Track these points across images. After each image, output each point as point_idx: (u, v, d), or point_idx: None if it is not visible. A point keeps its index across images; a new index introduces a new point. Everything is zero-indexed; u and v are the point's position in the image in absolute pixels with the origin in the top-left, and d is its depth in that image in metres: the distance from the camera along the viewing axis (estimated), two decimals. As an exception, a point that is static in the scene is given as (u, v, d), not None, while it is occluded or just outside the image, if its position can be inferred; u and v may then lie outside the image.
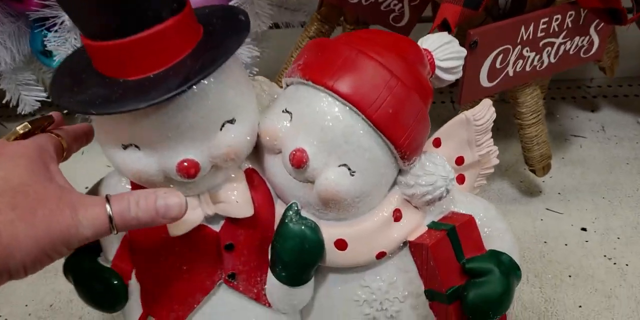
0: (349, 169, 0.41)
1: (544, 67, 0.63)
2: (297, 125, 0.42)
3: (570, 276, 0.67)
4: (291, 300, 0.45)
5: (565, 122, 0.93)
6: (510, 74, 0.62)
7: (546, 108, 0.90)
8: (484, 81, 0.61)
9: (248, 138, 0.41)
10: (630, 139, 0.89)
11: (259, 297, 0.45)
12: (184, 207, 0.37)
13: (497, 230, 0.52)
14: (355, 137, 0.41)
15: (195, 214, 0.40)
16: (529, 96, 0.65)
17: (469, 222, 0.47)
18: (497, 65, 0.60)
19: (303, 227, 0.43)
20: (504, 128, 0.91)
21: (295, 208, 0.43)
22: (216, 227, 0.42)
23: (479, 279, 0.45)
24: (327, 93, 0.41)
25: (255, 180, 0.44)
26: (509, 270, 0.46)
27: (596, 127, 0.92)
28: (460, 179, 0.57)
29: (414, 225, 0.47)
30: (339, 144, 0.41)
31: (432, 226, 0.48)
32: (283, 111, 0.42)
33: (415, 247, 0.47)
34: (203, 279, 0.43)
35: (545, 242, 0.72)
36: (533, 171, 0.73)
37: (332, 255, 0.44)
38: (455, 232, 0.46)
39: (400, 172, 0.46)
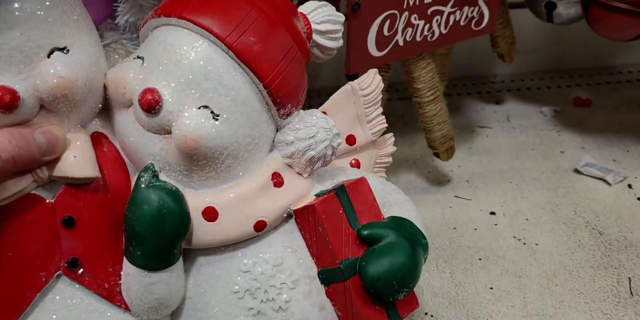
0: (212, 112, 0.36)
1: (435, 37, 0.62)
2: (149, 67, 0.37)
3: (480, 259, 0.65)
4: (153, 295, 0.38)
5: (471, 115, 0.93)
6: (400, 43, 0.60)
7: (452, 104, 0.90)
8: (372, 50, 0.58)
9: (83, 74, 0.35)
10: (534, 127, 0.89)
11: (112, 295, 0.37)
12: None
13: (396, 200, 0.48)
14: (216, 71, 0.36)
15: (21, 178, 0.33)
16: (423, 70, 0.63)
17: (361, 182, 0.42)
18: (385, 32, 0.58)
19: (160, 190, 0.36)
20: (412, 123, 0.89)
21: (152, 169, 0.37)
22: (51, 197, 0.36)
23: (378, 245, 0.40)
24: (181, 24, 0.36)
25: (104, 144, 0.38)
26: (413, 237, 0.41)
27: (501, 118, 0.92)
28: (355, 165, 0.54)
29: (299, 194, 0.42)
30: (197, 81, 0.36)
31: (320, 194, 0.43)
32: (134, 58, 0.38)
33: (301, 216, 0.42)
34: (34, 269, 0.35)
35: (454, 228, 0.70)
36: (437, 155, 0.71)
37: (200, 229, 0.38)
38: (345, 193, 0.41)
39: (278, 131, 0.41)
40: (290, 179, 0.42)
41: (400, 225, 0.41)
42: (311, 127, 0.40)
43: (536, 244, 0.67)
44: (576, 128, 0.88)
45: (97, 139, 0.38)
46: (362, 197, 0.42)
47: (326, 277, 0.42)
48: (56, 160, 0.35)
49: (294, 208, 0.42)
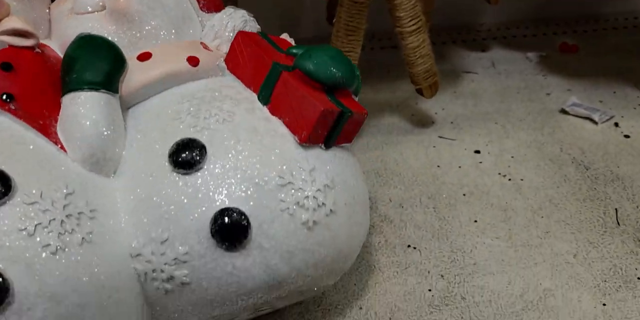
0: None
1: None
2: None
3: (464, 195, 0.63)
4: (88, 117, 0.38)
5: (457, 62, 0.91)
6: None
7: (438, 51, 0.88)
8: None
9: None
10: (520, 71, 0.87)
11: (47, 132, 0.38)
12: None
13: None
14: None
15: None
16: (405, -3, 0.61)
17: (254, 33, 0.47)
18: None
19: (96, 32, 0.41)
20: (395, 70, 0.87)
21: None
22: None
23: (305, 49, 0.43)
24: None
25: (45, 47, 0.40)
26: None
27: (487, 64, 0.90)
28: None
29: (221, 55, 0.46)
30: None
31: None
32: None
33: (231, 57, 0.45)
34: None
35: (438, 166, 0.68)
36: (420, 92, 0.69)
37: (137, 69, 0.41)
38: (264, 34, 0.47)
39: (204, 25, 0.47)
40: (216, 49, 0.47)
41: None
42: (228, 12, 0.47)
43: (521, 180, 0.65)
44: (562, 72, 0.87)
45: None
46: (279, 40, 0.48)
47: (265, 92, 0.42)
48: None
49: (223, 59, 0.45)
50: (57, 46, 0.44)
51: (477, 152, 0.70)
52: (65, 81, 0.39)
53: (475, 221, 0.60)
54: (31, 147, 0.37)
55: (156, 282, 0.38)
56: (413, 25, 0.63)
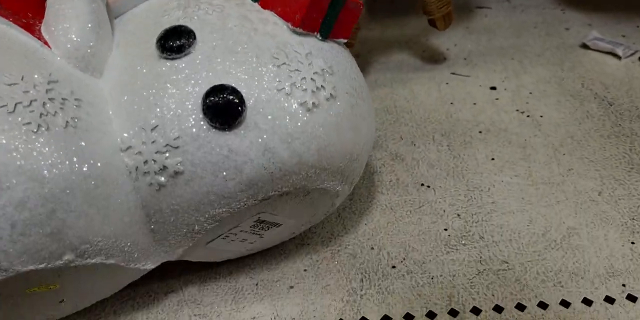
0: None
1: None
2: None
3: (480, 132, 0.59)
4: (72, 11, 0.35)
5: (469, -3, 0.85)
6: None
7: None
8: None
9: None
10: (536, 6, 0.82)
11: (32, 30, 0.35)
12: None
13: None
14: None
15: None
16: None
17: None
18: None
19: None
20: (401, 5, 0.82)
21: None
22: None
23: None
24: None
25: None
26: None
27: (501, -1, 0.85)
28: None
29: None
30: None
31: None
32: None
33: None
34: None
35: (451, 103, 0.64)
36: (433, 23, 0.64)
37: None
38: None
39: None
40: None
41: None
42: None
43: (541, 116, 0.61)
44: (581, 6, 0.81)
45: None
46: None
47: None
48: None
49: None
50: None
51: (493, 88, 0.66)
52: None
53: (493, 159, 0.56)
54: (13, 42, 0.34)
55: (148, 177, 0.35)
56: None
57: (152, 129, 0.34)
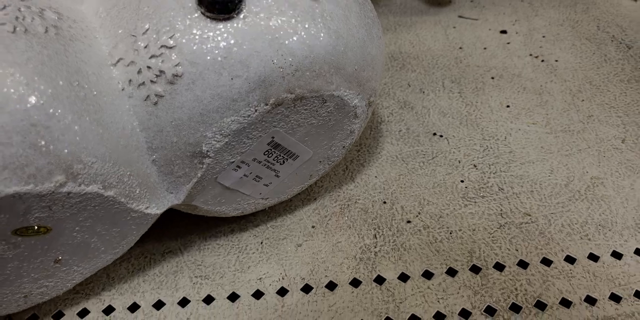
0: None
1: None
2: None
3: (493, 78, 0.55)
4: None
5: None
6: None
7: None
8: None
9: None
10: (545, -55, 0.77)
11: None
12: None
13: None
14: None
15: None
16: None
17: None
18: None
19: None
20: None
21: None
22: None
23: None
24: None
25: None
26: None
27: (506, -62, 0.79)
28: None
29: None
30: None
31: None
32: None
33: None
34: None
35: (460, 48, 0.59)
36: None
37: None
38: None
39: None
40: None
41: None
42: None
43: (556, 61, 0.57)
44: (592, -55, 0.76)
45: None
46: None
47: None
48: None
49: None
50: None
51: (504, 32, 0.62)
52: None
53: (508, 106, 0.52)
54: None
55: (144, 89, 0.31)
56: None
57: (144, 33, 0.30)
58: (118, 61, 0.30)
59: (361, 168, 0.47)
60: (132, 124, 0.30)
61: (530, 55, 0.58)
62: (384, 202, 0.44)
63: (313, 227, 0.43)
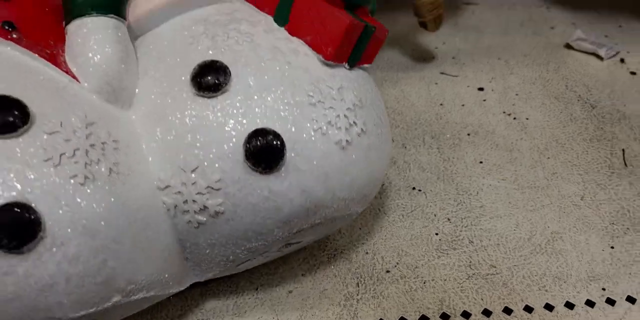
0: None
1: None
2: None
3: (469, 134, 0.61)
4: (98, 44, 0.35)
5: (456, -8, 0.86)
6: None
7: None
8: None
9: None
10: (522, 3, 0.83)
11: (57, 62, 0.34)
12: None
13: None
14: None
15: None
16: None
17: None
18: None
19: None
20: (393, 0, 0.83)
21: None
22: None
23: None
24: None
25: None
26: None
27: (488, -6, 0.86)
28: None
29: None
30: None
31: None
32: None
33: None
34: None
35: (441, 104, 0.65)
36: (424, 25, 0.65)
37: None
38: None
39: None
40: None
41: None
42: None
43: (527, 119, 0.63)
44: (566, 4, 0.83)
45: None
46: None
47: (281, 12, 0.39)
48: None
49: None
50: None
51: (481, 89, 0.68)
52: (69, 7, 0.35)
53: (481, 162, 0.58)
54: (41, 77, 0.33)
55: (187, 215, 0.36)
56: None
57: (192, 171, 0.35)
58: (166, 187, 0.35)
59: (347, 220, 0.52)
60: (173, 237, 0.36)
61: (504, 112, 0.64)
62: (367, 253, 0.49)
63: (303, 275, 0.48)
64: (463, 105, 0.65)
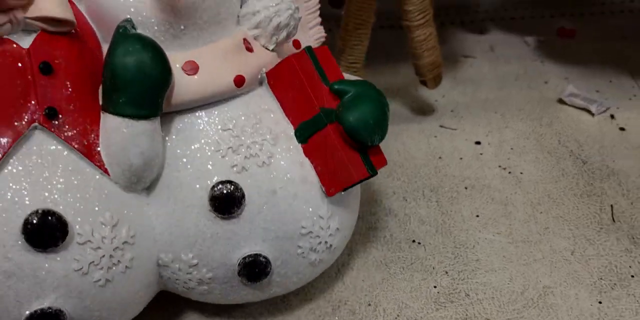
0: None
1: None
2: None
3: (466, 188, 0.65)
4: (137, 148, 0.37)
5: (455, 45, 0.91)
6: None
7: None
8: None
9: None
10: (518, 57, 0.88)
11: (91, 154, 0.36)
12: None
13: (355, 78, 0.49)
14: None
15: None
16: (414, -9, 0.60)
17: (324, 48, 0.45)
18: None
19: (141, 36, 0.36)
20: (394, 53, 0.87)
21: (130, 21, 0.37)
22: (26, 44, 0.34)
23: (351, 94, 0.42)
24: None
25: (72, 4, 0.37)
26: (378, 90, 0.44)
27: (485, 48, 0.90)
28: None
29: (268, 61, 0.43)
30: None
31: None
32: None
33: (275, 75, 0.43)
34: (9, 117, 0.33)
35: (440, 157, 0.69)
36: (424, 83, 0.70)
37: (181, 83, 0.38)
38: (313, 52, 0.43)
39: (243, 5, 0.42)
40: (258, 47, 0.43)
41: (366, 83, 0.44)
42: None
43: (521, 173, 0.67)
44: (560, 58, 0.87)
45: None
46: (326, 60, 0.44)
47: (304, 132, 0.43)
48: (31, 3, 0.34)
49: (266, 71, 0.43)
50: (84, 8, 0.40)
51: (478, 143, 0.71)
52: (111, 98, 0.36)
53: (477, 215, 0.61)
54: (79, 177, 0.36)
55: (177, 285, 0.43)
56: (421, 19, 0.62)
57: (191, 266, 0.42)
58: (165, 266, 0.42)
59: (351, 271, 0.55)
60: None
61: (500, 166, 0.68)
62: (369, 305, 0.52)
63: (308, 325, 0.51)
64: (461, 158, 0.69)
